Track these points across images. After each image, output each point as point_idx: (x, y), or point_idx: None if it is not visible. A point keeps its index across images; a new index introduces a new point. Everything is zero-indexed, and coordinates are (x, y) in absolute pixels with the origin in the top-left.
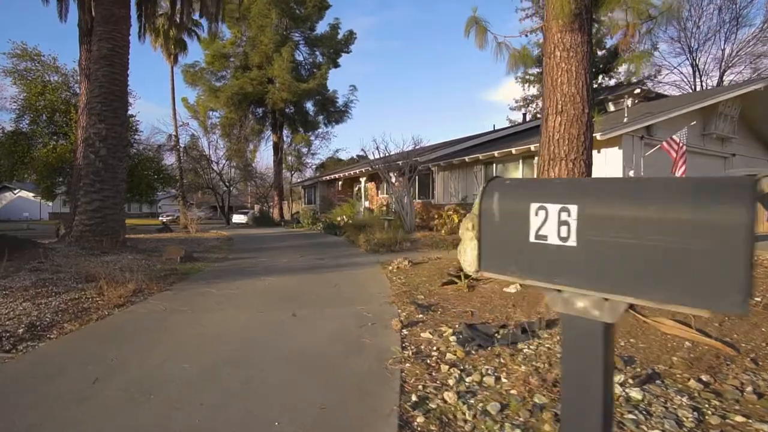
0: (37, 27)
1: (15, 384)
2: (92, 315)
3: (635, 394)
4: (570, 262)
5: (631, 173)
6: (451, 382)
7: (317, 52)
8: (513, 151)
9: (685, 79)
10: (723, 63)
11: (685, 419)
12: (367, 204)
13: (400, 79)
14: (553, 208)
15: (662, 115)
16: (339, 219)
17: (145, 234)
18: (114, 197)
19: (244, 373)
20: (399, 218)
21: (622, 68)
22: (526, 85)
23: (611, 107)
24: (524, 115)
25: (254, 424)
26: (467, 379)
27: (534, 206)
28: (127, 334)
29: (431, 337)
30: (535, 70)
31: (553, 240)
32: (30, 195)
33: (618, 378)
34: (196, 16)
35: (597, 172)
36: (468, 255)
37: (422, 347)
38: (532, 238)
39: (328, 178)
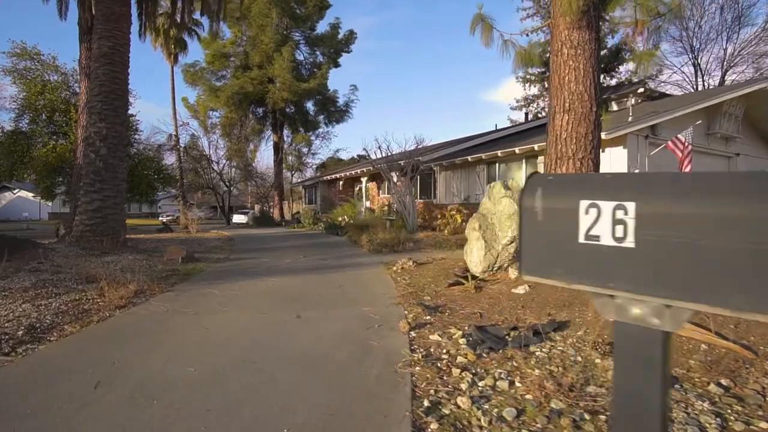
0: (36, 27)
1: (15, 389)
2: (93, 316)
3: None
4: (626, 264)
5: (636, 173)
6: (463, 386)
7: (318, 52)
8: (516, 150)
9: (687, 79)
10: (725, 62)
11: (708, 425)
12: (368, 204)
13: (400, 79)
14: (607, 206)
15: (667, 114)
16: (340, 219)
17: (146, 234)
18: (114, 197)
19: (250, 377)
20: (401, 218)
21: (623, 68)
22: (527, 85)
23: (614, 107)
24: (526, 114)
25: (262, 431)
26: (480, 384)
27: (584, 204)
28: (129, 336)
29: (440, 339)
30: (536, 70)
31: (606, 240)
32: (29, 195)
33: None
34: (196, 16)
35: (602, 171)
36: (474, 255)
37: (432, 350)
38: (581, 239)
39: (328, 177)
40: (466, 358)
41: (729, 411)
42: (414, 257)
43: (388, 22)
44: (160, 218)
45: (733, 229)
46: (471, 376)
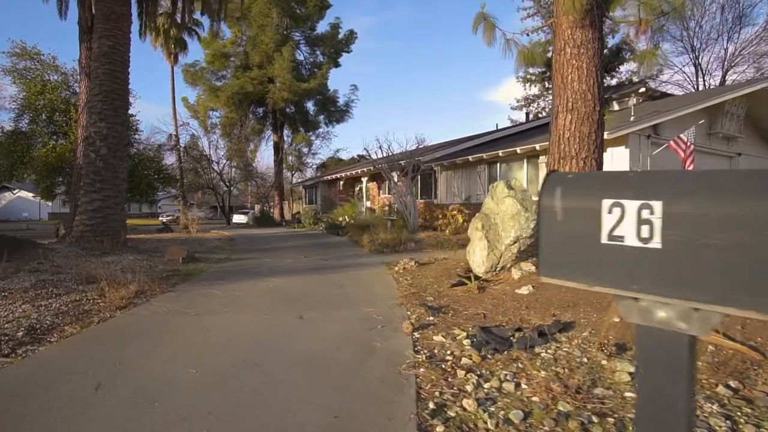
0: (36, 26)
1: (15, 391)
2: (93, 317)
3: None
4: (652, 266)
5: None
6: (468, 388)
7: (318, 52)
8: (518, 150)
9: (688, 79)
10: (726, 62)
11: (718, 428)
12: (368, 204)
13: (400, 79)
14: (632, 205)
15: (669, 113)
16: (341, 219)
17: (146, 234)
18: (115, 197)
19: (253, 379)
20: (402, 218)
21: (624, 67)
22: (528, 85)
23: (615, 106)
24: (527, 114)
25: None
26: (485, 385)
27: (607, 203)
28: (130, 338)
29: (444, 340)
30: (537, 70)
31: (631, 241)
32: (29, 195)
33: None
34: (197, 15)
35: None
36: (477, 255)
37: (436, 351)
38: (604, 239)
39: (329, 177)
40: (470, 359)
41: (739, 413)
42: (416, 257)
43: (388, 22)
44: (160, 218)
45: (761, 229)
46: (476, 377)
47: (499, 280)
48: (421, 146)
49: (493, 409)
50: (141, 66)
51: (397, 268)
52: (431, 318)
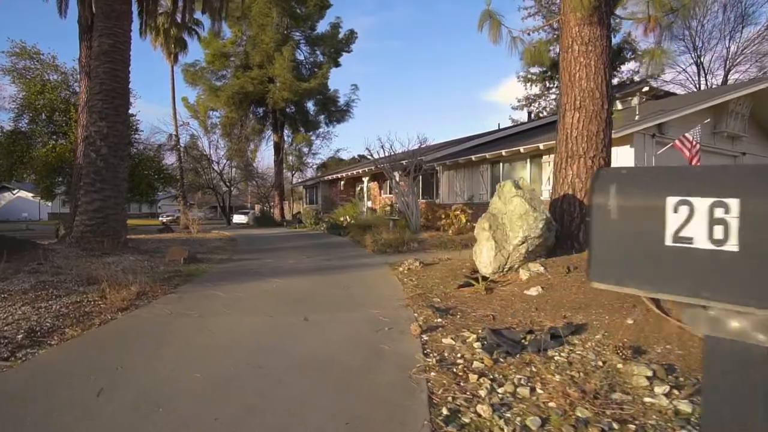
0: (36, 26)
1: (14, 396)
2: (95, 319)
3: (684, 407)
4: (727, 271)
5: None
6: (482, 393)
7: (318, 52)
8: (521, 149)
9: (690, 78)
10: (728, 61)
11: None
12: (369, 204)
13: (400, 79)
14: (702, 203)
15: (674, 112)
16: (342, 219)
17: (146, 234)
18: (115, 197)
19: (259, 384)
20: (404, 218)
21: (626, 67)
22: (529, 84)
23: (618, 105)
24: (529, 113)
25: None
26: (499, 390)
27: (672, 200)
28: (132, 340)
29: (454, 343)
30: (538, 69)
31: (701, 243)
32: (29, 195)
33: (662, 389)
34: (197, 15)
35: None
36: (484, 256)
37: (446, 354)
38: (668, 241)
39: (330, 177)
40: (482, 362)
41: None
42: (420, 258)
43: (388, 22)
44: (160, 218)
45: None
46: (489, 382)
47: (507, 281)
48: (423, 146)
49: (509, 415)
50: (141, 66)
51: (401, 269)
52: (439, 320)
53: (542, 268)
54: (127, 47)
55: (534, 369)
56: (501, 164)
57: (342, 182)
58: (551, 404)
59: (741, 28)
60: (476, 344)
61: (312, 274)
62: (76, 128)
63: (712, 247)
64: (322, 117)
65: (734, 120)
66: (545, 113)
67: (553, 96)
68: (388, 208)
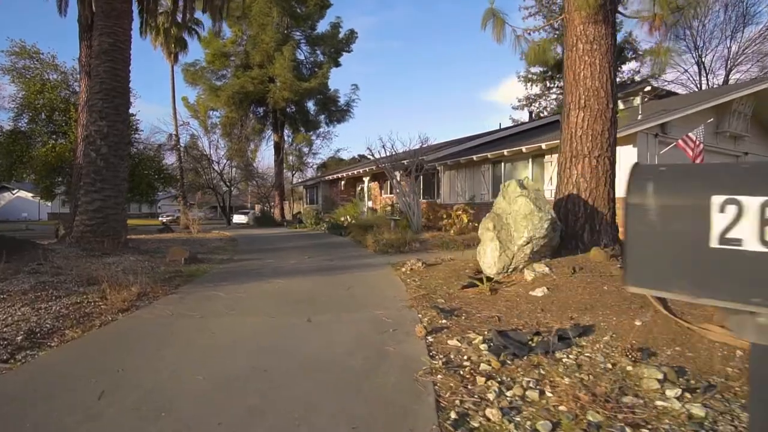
0: (36, 26)
1: (14, 399)
2: (95, 320)
3: (697, 410)
4: None
5: None
6: (490, 396)
7: (318, 51)
8: (523, 149)
9: (691, 78)
10: (729, 61)
11: None
12: (370, 204)
13: (400, 79)
14: (752, 202)
15: (677, 112)
16: (343, 219)
17: (146, 234)
18: (116, 197)
19: (263, 386)
20: (405, 218)
21: (626, 66)
22: (529, 84)
23: (620, 105)
24: (530, 113)
25: None
26: (508, 393)
27: (717, 199)
28: (133, 342)
29: (459, 344)
30: (539, 69)
31: (751, 245)
32: (29, 195)
33: (674, 392)
34: (197, 14)
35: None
36: (488, 256)
37: (452, 356)
38: (714, 243)
39: (330, 177)
40: (489, 365)
41: None
42: (422, 258)
43: (388, 22)
44: (160, 218)
45: None
46: (497, 384)
47: (512, 282)
48: (424, 145)
49: (518, 419)
50: (141, 65)
51: (403, 269)
52: (444, 321)
53: (547, 269)
54: (128, 46)
55: (542, 371)
56: (503, 164)
57: (342, 182)
58: (561, 408)
59: (742, 27)
60: (482, 346)
61: (314, 275)
62: (75, 128)
63: (763, 249)
64: (322, 117)
65: (737, 120)
66: (546, 113)
67: (554, 96)
68: (388, 208)
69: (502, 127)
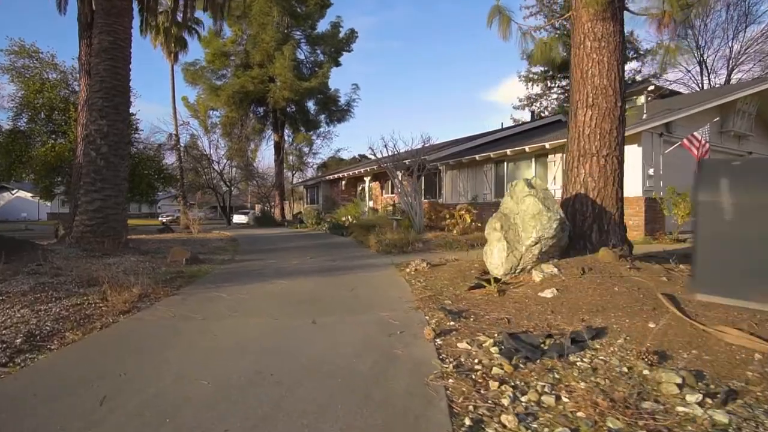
0: (35, 25)
1: (13, 405)
2: (96, 322)
3: (720, 417)
4: None
5: (651, 171)
6: (505, 401)
7: (318, 51)
8: (527, 149)
9: (693, 78)
10: (731, 60)
11: None
12: (371, 204)
13: (400, 79)
14: None
15: (682, 111)
16: (344, 219)
17: (147, 234)
18: (116, 196)
19: (270, 392)
20: (407, 218)
21: (627, 66)
22: (530, 84)
23: None
24: (532, 113)
25: None
26: (523, 399)
27: None
28: (135, 344)
29: (470, 347)
30: (539, 69)
31: None
32: (28, 195)
33: (695, 397)
34: (198, 14)
35: None
36: (495, 257)
37: (462, 359)
38: None
39: (331, 177)
40: (502, 369)
41: None
42: (426, 258)
43: (388, 22)
44: (160, 218)
45: None
46: (511, 389)
47: (519, 283)
48: (426, 145)
49: (535, 426)
50: (141, 65)
51: (408, 270)
52: (452, 323)
53: (556, 270)
54: (128, 44)
55: (557, 375)
56: (505, 164)
57: (343, 182)
58: (579, 414)
59: (744, 27)
60: (493, 349)
61: (316, 275)
62: (75, 127)
63: None
64: (322, 116)
65: (741, 119)
66: (547, 113)
67: (555, 95)
68: (390, 208)
69: (503, 126)
